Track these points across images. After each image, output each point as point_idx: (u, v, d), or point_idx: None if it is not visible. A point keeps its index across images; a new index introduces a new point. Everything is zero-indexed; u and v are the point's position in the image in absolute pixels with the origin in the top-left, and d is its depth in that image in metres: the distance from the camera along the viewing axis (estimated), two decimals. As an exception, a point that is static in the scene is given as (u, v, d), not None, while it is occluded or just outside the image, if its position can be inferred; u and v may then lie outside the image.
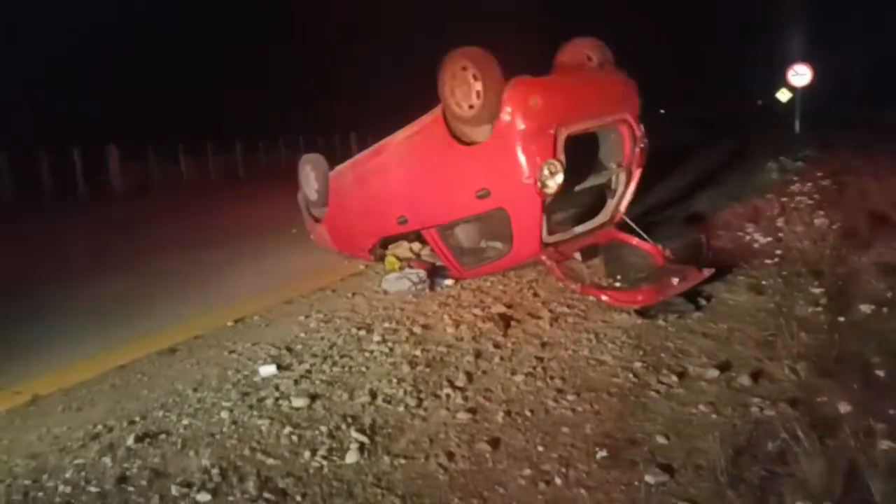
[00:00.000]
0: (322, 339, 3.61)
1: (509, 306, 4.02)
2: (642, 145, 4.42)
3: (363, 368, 3.17)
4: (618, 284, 4.19)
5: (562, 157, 3.88)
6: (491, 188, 3.99)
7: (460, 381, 2.97)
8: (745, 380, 2.87)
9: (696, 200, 7.57)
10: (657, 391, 2.84)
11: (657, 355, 3.22)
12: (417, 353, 3.33)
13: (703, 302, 3.95)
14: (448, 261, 4.62)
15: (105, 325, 4.15)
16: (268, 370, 3.11)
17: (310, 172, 5.60)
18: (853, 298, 3.68)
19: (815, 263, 4.54)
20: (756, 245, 5.36)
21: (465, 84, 3.90)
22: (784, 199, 7.19)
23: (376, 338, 3.56)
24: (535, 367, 3.10)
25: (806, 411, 2.58)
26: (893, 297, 3.59)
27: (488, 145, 3.94)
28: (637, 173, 4.52)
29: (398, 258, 5.13)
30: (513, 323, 3.74)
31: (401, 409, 2.72)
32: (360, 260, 5.39)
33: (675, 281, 3.85)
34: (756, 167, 10.21)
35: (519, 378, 2.98)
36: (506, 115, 3.79)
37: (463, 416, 2.63)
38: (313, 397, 2.84)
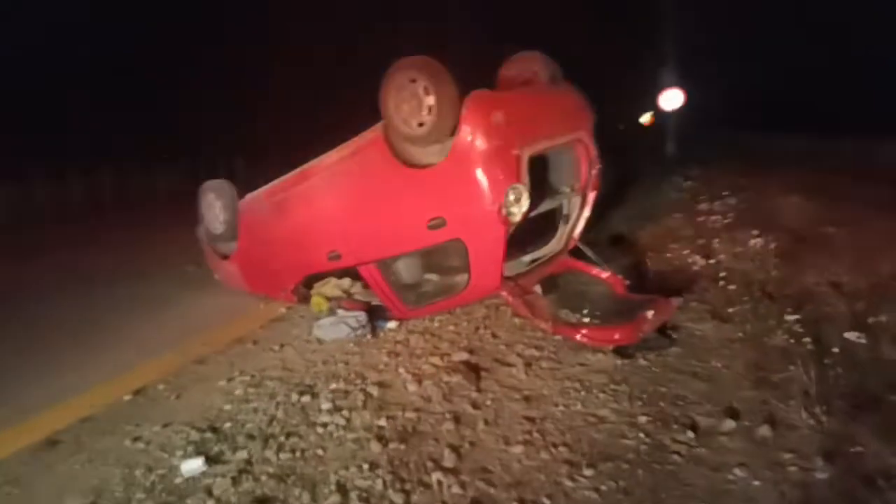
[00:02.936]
0: (255, 410, 2.89)
1: (471, 352, 3.51)
2: (598, 167, 4.11)
3: (319, 451, 2.51)
4: (585, 320, 3.81)
5: (526, 180, 3.45)
6: (446, 216, 3.48)
7: (448, 460, 2.40)
8: (764, 430, 2.55)
9: (608, 221, 7.47)
10: (678, 453, 2.44)
11: (656, 405, 2.83)
12: (382, 422, 2.71)
13: (673, 335, 3.67)
14: (390, 300, 4.02)
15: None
16: (192, 466, 2.37)
17: (214, 201, 4.79)
18: (830, 325, 3.52)
19: (764, 285, 4.43)
20: (696, 267, 5.22)
21: (413, 98, 3.38)
22: (699, 219, 7.26)
23: (325, 405, 2.90)
24: (529, 433, 2.59)
25: (846, 466, 2.28)
26: (873, 322, 3.47)
27: (442, 168, 3.43)
28: (592, 197, 4.20)
29: (326, 298, 4.46)
30: (482, 373, 3.22)
31: (386, 509, 2.10)
32: (280, 301, 4.64)
33: (649, 314, 3.52)
34: (650, 187, 10.49)
35: (517, 450, 2.46)
36: (465, 134, 3.30)
37: (468, 513, 2.07)
38: (262, 503, 2.15)
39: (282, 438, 2.61)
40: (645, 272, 5.09)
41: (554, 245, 4.30)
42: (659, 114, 21.36)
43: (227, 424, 2.77)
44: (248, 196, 4.62)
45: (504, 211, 3.36)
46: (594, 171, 4.09)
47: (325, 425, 2.70)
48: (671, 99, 19.94)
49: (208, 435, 2.67)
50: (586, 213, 4.24)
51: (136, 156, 16.14)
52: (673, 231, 6.84)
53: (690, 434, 2.55)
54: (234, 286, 4.91)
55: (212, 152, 16.17)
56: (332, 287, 4.60)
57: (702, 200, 8.36)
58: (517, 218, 3.44)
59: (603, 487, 2.20)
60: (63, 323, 4.54)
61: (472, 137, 3.30)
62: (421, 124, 3.39)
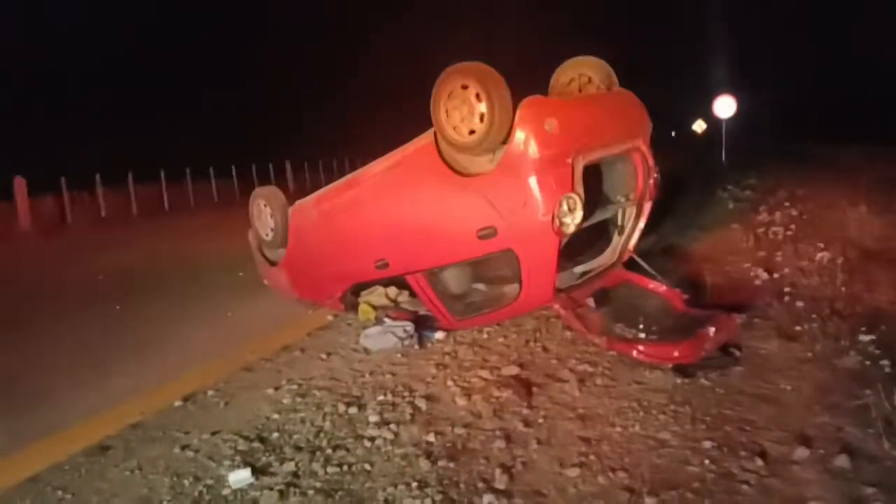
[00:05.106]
0: (302, 421, 2.85)
1: (521, 366, 3.40)
2: (655, 176, 3.95)
3: (367, 466, 2.44)
4: (642, 335, 3.64)
5: (580, 190, 3.33)
6: (497, 226, 3.38)
7: (499, 481, 2.30)
8: (841, 460, 2.36)
9: (662, 232, 7.23)
10: (747, 482, 2.27)
11: (721, 429, 2.66)
12: (431, 438, 2.63)
13: (736, 353, 3.47)
14: (437, 310, 3.95)
15: (6, 415, 3.18)
16: (240, 477, 2.33)
17: (263, 208, 4.81)
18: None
19: (832, 302, 4.17)
20: (758, 282, 4.97)
21: (465, 105, 3.31)
22: (759, 231, 6.95)
23: (373, 417, 2.84)
24: (585, 455, 2.46)
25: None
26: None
27: (494, 176, 3.34)
28: (648, 207, 4.04)
29: (373, 307, 4.42)
30: (534, 389, 3.11)
31: (436, 532, 2.01)
32: (327, 309, 4.63)
33: (711, 331, 3.34)
34: (706, 197, 10.15)
35: (572, 473, 2.34)
36: (518, 142, 3.21)
37: (522, 540, 1.96)
38: (310, 519, 2.09)
39: (329, 451, 2.55)
40: (702, 286, 4.86)
41: (607, 257, 4.15)
42: (712, 121, 20.79)
43: (275, 434, 2.73)
44: (298, 203, 4.62)
45: (557, 221, 3.25)
46: (651, 181, 3.93)
47: (372, 439, 2.63)
48: (725, 106, 19.36)
49: (256, 445, 2.64)
50: (642, 223, 4.08)
51: (188, 163, 16.62)
52: (731, 243, 6.57)
53: (760, 462, 2.38)
54: (283, 292, 4.92)
55: (262, 160, 16.51)
56: (378, 296, 4.56)
57: (761, 211, 8.02)
58: (571, 228, 3.32)
59: (667, 518, 2.06)
60: (113, 326, 4.64)
61: (526, 145, 3.20)
62: (472, 132, 3.32)
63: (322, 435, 2.70)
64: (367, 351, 3.78)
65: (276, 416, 2.92)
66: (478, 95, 3.26)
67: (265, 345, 3.97)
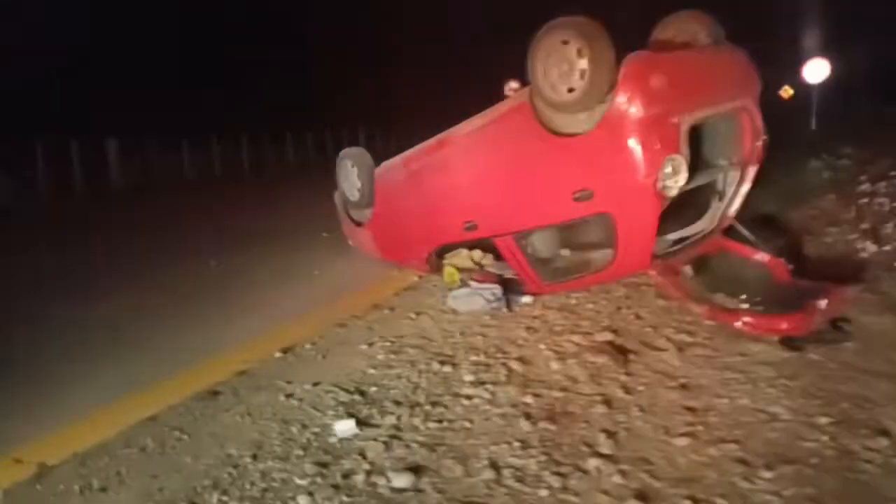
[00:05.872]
0: (398, 377, 2.89)
1: (615, 332, 3.31)
2: (764, 138, 3.72)
3: (466, 424, 2.45)
4: (744, 306, 3.48)
5: (686, 151, 3.17)
6: (594, 189, 3.28)
7: (604, 445, 2.26)
8: (977, 444, 2.18)
9: (756, 200, 6.82)
10: (870, 462, 2.13)
11: (837, 405, 2.51)
12: (528, 399, 2.61)
13: (846, 327, 3.26)
14: (526, 274, 3.90)
15: (121, 358, 3.37)
16: (345, 427, 2.39)
17: (350, 169, 4.86)
18: None
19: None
20: (864, 254, 4.65)
21: (564, 62, 3.18)
22: (862, 201, 6.48)
23: (467, 376, 2.84)
24: (692, 425, 2.38)
25: None
26: None
27: (593, 136, 3.22)
28: (752, 172, 3.81)
29: (458, 269, 4.41)
30: (630, 356, 3.03)
31: (543, 492, 2.00)
32: (412, 269, 4.66)
33: (821, 304, 3.15)
34: (798, 165, 9.55)
35: (680, 442, 2.26)
36: (621, 99, 3.07)
37: (634, 507, 1.92)
38: (416, 471, 2.12)
39: (427, 407, 2.57)
40: (804, 257, 4.60)
41: (705, 223, 3.97)
42: (800, 86, 19.42)
43: (373, 388, 2.79)
44: (385, 163, 4.64)
45: (660, 184, 3.11)
46: (759, 143, 3.71)
47: (469, 398, 2.64)
48: (816, 70, 18.00)
49: (356, 397, 2.70)
50: (745, 189, 3.87)
51: (267, 128, 17.01)
52: (830, 213, 6.16)
53: (884, 441, 2.23)
54: (368, 253, 4.99)
55: (337, 125, 16.72)
56: (463, 258, 4.54)
57: (862, 181, 7.47)
58: (673, 192, 3.18)
59: (786, 492, 1.97)
60: (211, 281, 4.84)
61: (630, 103, 3.06)
62: (571, 89, 3.20)
63: (419, 391, 2.73)
64: (455, 312, 3.78)
65: (371, 370, 2.97)
66: (579, 51, 3.13)
67: (355, 303, 4.05)
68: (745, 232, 3.98)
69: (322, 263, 5.11)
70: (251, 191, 11.72)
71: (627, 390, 2.68)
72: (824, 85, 17.21)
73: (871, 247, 4.72)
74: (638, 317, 3.55)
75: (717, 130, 3.75)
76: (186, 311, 4.10)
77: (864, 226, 5.43)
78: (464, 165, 3.94)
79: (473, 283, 4.14)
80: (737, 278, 3.76)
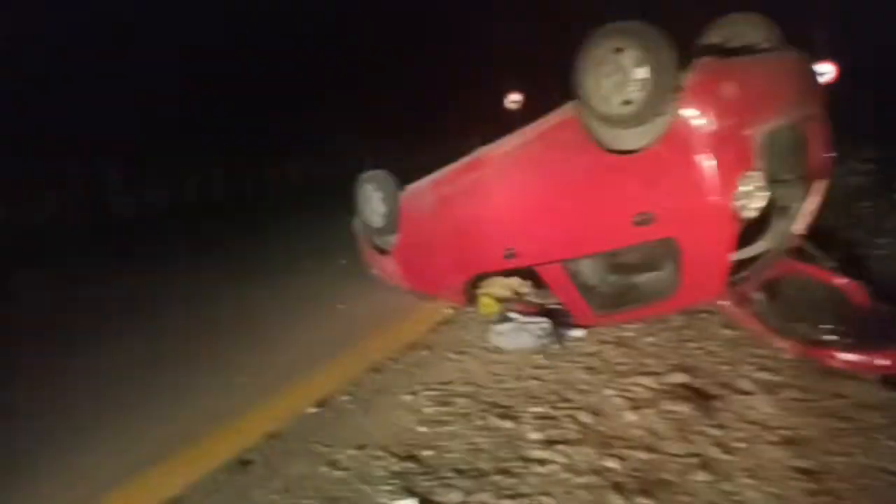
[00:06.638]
0: (453, 436, 2.52)
1: (687, 372, 2.95)
2: (831, 150, 3.38)
3: (546, 500, 2.08)
4: (830, 338, 3.11)
5: (762, 166, 2.84)
6: (657, 211, 2.93)
7: (717, 526, 1.89)
8: None
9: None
10: None
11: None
12: (611, 464, 2.25)
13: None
14: (575, 304, 3.54)
15: (127, 420, 2.96)
16: (406, 509, 2.02)
17: (373, 193, 4.52)
18: None
19: None
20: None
21: (618, 72, 2.85)
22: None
23: (533, 434, 2.48)
24: (814, 494, 2.02)
25: None
26: None
27: (654, 153, 2.88)
28: (821, 186, 3.47)
29: (495, 299, 4.05)
30: (713, 402, 2.67)
31: None
32: (443, 301, 4.30)
33: (922, 335, 2.79)
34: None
35: (809, 519, 1.90)
36: (690, 111, 2.73)
37: None
38: (500, 569, 1.75)
39: (495, 477, 2.21)
40: (865, 274, 4.25)
41: (768, 243, 3.61)
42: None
43: (426, 452, 2.42)
44: (411, 187, 4.30)
45: (735, 204, 2.77)
46: (827, 156, 3.37)
47: (541, 462, 2.28)
48: (821, 74, 17.66)
49: (410, 465, 2.33)
50: (812, 205, 3.52)
51: (265, 150, 16.64)
52: (871, 223, 5.84)
53: None
54: (393, 282, 4.63)
55: (338, 146, 16.38)
56: (500, 287, 4.18)
57: (896, 187, 7.15)
58: (751, 213, 2.84)
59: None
60: (226, 321, 4.48)
61: (699, 116, 2.72)
62: (627, 102, 2.86)
63: (481, 455, 2.36)
64: (500, 350, 3.42)
65: (422, 429, 2.60)
66: (636, 59, 2.80)
67: (387, 342, 3.68)
68: (815, 252, 3.63)
69: (344, 295, 4.74)
70: (254, 215, 11.35)
71: (724, 448, 2.31)
72: (833, 87, 16.90)
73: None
74: (707, 352, 3.19)
75: (781, 142, 3.41)
76: (199, 357, 3.72)
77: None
78: (502, 188, 3.60)
79: (514, 316, 3.78)
80: (812, 304, 3.41)
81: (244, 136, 16.18)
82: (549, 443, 2.40)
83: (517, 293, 4.16)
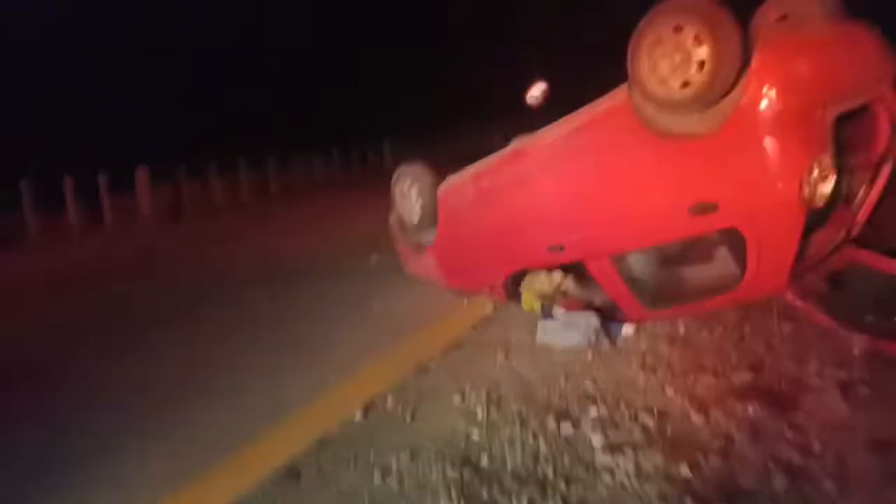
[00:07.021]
0: (511, 442, 2.40)
1: (752, 369, 2.79)
2: (899, 132, 3.17)
3: (619, 510, 1.95)
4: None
5: (833, 149, 2.66)
6: (719, 200, 2.77)
7: (812, 540, 1.74)
8: None
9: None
10: None
11: None
12: (685, 471, 2.10)
13: None
14: (625, 299, 3.39)
15: (167, 423, 2.89)
16: (470, 522, 1.90)
17: (410, 187, 4.40)
18: None
19: None
20: None
21: (677, 52, 2.69)
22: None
23: (596, 438, 2.34)
24: (913, 503, 1.85)
25: None
26: None
27: (719, 138, 2.72)
28: (887, 170, 3.26)
29: (538, 295, 3.91)
30: (784, 401, 2.50)
31: None
32: (483, 297, 4.17)
33: None
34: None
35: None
36: (757, 90, 2.56)
37: None
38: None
39: (562, 486, 2.08)
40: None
41: (830, 232, 3.42)
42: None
43: (483, 459, 2.30)
44: (450, 180, 4.17)
45: (806, 191, 2.59)
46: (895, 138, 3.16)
47: (609, 470, 2.14)
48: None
49: (467, 473, 2.21)
50: (878, 190, 3.31)
51: (288, 147, 16.68)
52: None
53: None
54: (430, 280, 4.52)
55: (348, 140, 16.30)
56: (542, 282, 4.03)
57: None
58: (821, 201, 2.67)
59: None
60: (261, 318, 4.41)
61: (768, 95, 2.55)
62: (686, 84, 2.70)
63: (543, 462, 2.24)
64: (548, 349, 3.29)
65: (475, 434, 2.48)
66: (697, 38, 2.63)
67: (429, 340, 3.58)
68: (876, 240, 3.42)
69: (379, 293, 4.65)
70: (282, 214, 11.33)
71: (804, 452, 2.16)
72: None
73: None
74: (769, 347, 3.02)
75: (848, 122, 3.21)
76: (241, 360, 3.65)
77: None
78: (548, 179, 3.46)
79: (558, 312, 3.65)
80: (878, 296, 3.21)
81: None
82: (615, 448, 2.27)
83: (560, 289, 4.02)
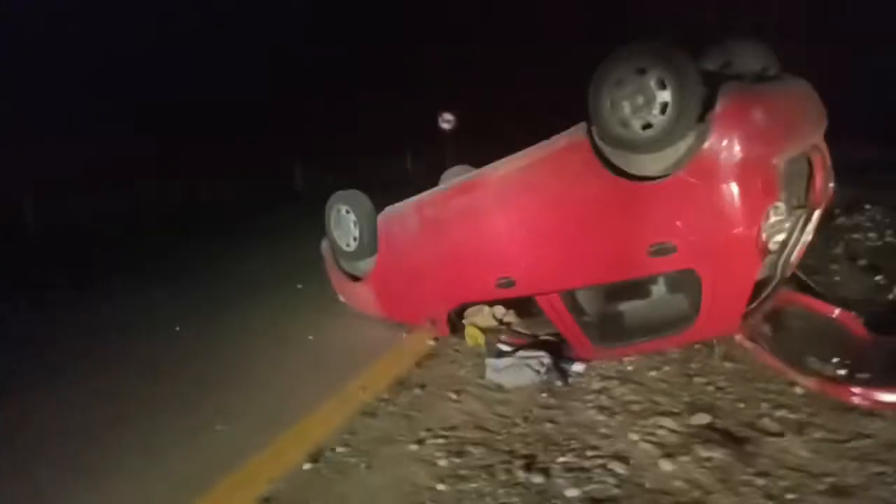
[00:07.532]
0: (481, 495, 2.23)
1: (707, 412, 2.79)
2: (832, 180, 3.36)
3: (609, 572, 1.82)
4: (840, 371, 3.04)
5: (784, 198, 2.75)
6: (678, 242, 2.79)
7: None
8: None
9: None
10: None
11: None
12: (664, 525, 2.02)
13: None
14: (574, 336, 3.35)
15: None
16: None
17: (345, 215, 4.18)
18: None
19: None
20: (891, 295, 4.40)
21: (639, 94, 2.70)
22: (849, 236, 6.36)
23: (569, 490, 2.23)
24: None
25: None
26: None
27: (678, 181, 2.74)
28: (818, 215, 3.44)
29: (481, 330, 3.80)
30: (745, 446, 2.51)
31: None
32: (423, 330, 3.99)
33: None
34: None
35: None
36: (720, 138, 2.61)
37: None
38: None
39: (544, 546, 1.93)
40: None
41: (766, 271, 3.56)
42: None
43: (453, 517, 2.11)
44: (390, 209, 4.00)
45: (763, 236, 2.66)
46: (830, 185, 3.35)
47: (589, 526, 2.02)
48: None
49: (439, 535, 2.01)
50: (810, 235, 3.49)
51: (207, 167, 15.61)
52: (817, 249, 5.99)
53: None
54: (365, 310, 4.29)
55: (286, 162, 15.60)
56: (485, 316, 3.96)
57: (836, 214, 7.42)
58: (776, 245, 2.75)
59: None
60: (183, 353, 3.97)
61: (729, 142, 2.60)
62: (647, 126, 2.71)
63: (517, 519, 2.08)
64: (498, 387, 3.16)
65: (441, 486, 2.29)
66: (661, 81, 2.65)
67: (374, 379, 3.34)
68: (808, 281, 3.61)
69: (312, 324, 4.33)
70: (190, 238, 10.50)
71: (774, 499, 2.14)
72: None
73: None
74: (718, 388, 3.05)
75: (794, 171, 3.37)
76: (166, 402, 3.23)
77: (862, 262, 5.26)
78: (498, 212, 3.37)
79: (507, 348, 3.55)
80: (813, 336, 3.36)
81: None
82: (591, 501, 2.15)
83: (501, 322, 3.94)
